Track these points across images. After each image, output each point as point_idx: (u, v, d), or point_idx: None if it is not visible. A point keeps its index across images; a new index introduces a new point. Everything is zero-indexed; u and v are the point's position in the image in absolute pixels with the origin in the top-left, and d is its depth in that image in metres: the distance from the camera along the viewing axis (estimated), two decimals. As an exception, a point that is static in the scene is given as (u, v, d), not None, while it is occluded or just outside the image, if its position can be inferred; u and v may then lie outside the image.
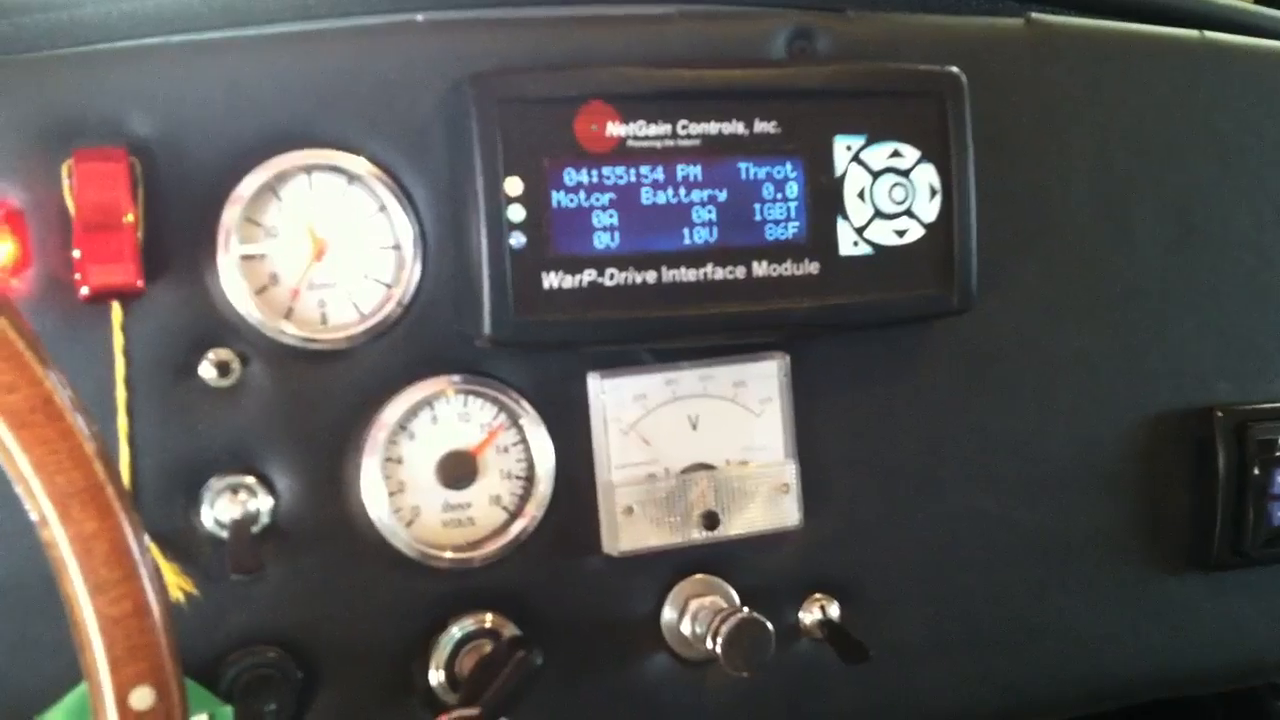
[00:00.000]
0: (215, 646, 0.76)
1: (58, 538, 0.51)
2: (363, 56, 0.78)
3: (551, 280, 0.76)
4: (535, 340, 0.77)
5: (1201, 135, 0.95)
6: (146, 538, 0.54)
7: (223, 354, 0.76)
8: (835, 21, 0.86)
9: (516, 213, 0.75)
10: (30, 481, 0.50)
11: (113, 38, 0.78)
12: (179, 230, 0.75)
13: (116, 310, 0.72)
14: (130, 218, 0.71)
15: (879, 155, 0.82)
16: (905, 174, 0.83)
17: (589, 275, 0.77)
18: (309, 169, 0.77)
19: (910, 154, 0.83)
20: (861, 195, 0.82)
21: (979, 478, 0.91)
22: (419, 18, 0.80)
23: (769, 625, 0.80)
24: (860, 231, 0.82)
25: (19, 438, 0.50)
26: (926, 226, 0.83)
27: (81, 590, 0.51)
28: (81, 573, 0.51)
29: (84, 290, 0.70)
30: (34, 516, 0.51)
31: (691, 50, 0.83)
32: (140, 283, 0.71)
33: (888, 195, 0.82)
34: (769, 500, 0.84)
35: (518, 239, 0.76)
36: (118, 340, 0.73)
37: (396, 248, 0.79)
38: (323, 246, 0.78)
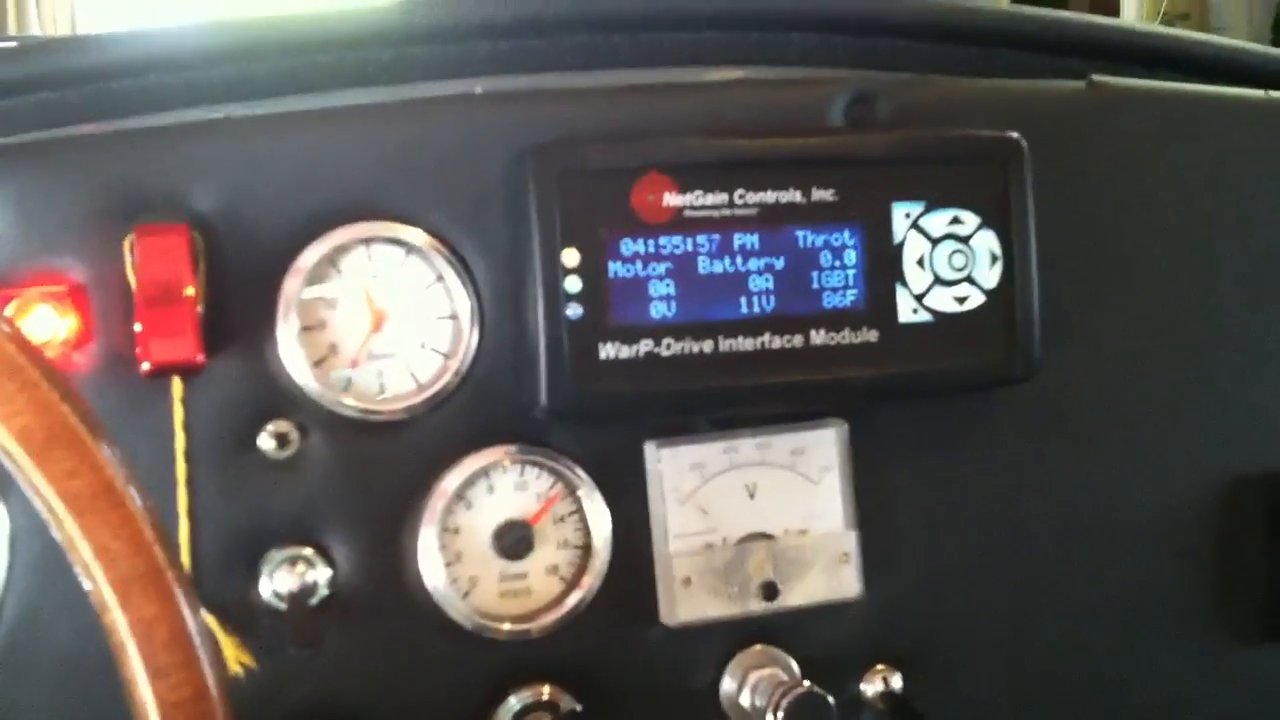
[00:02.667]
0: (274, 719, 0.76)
1: (118, 623, 0.51)
2: (421, 129, 0.78)
3: (609, 351, 0.76)
4: (592, 411, 0.77)
5: (1273, 192, 0.94)
6: (205, 614, 0.54)
7: (282, 426, 0.76)
8: (895, 87, 0.86)
9: (574, 284, 0.75)
10: (91, 567, 0.50)
11: (172, 107, 0.79)
12: (239, 303, 0.75)
13: (177, 385, 0.73)
14: (191, 291, 0.71)
15: (938, 222, 0.81)
16: (965, 240, 0.82)
17: (646, 345, 0.77)
18: (368, 240, 0.77)
19: (970, 220, 0.82)
20: (921, 262, 0.81)
21: (1047, 541, 0.89)
22: (477, 89, 0.81)
23: (830, 700, 0.78)
24: (920, 299, 0.81)
25: (81, 524, 0.50)
26: (987, 293, 0.82)
27: (141, 675, 0.51)
28: (141, 657, 0.51)
29: (145, 365, 0.71)
30: (94, 601, 0.51)
31: (750, 118, 0.83)
32: (201, 357, 0.71)
33: (947, 262, 0.81)
34: (828, 570, 0.83)
35: (575, 310, 0.76)
36: (178, 414, 0.73)
37: (454, 318, 0.79)
38: (381, 317, 0.78)
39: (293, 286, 0.76)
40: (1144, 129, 0.91)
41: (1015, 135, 0.83)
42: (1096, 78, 0.90)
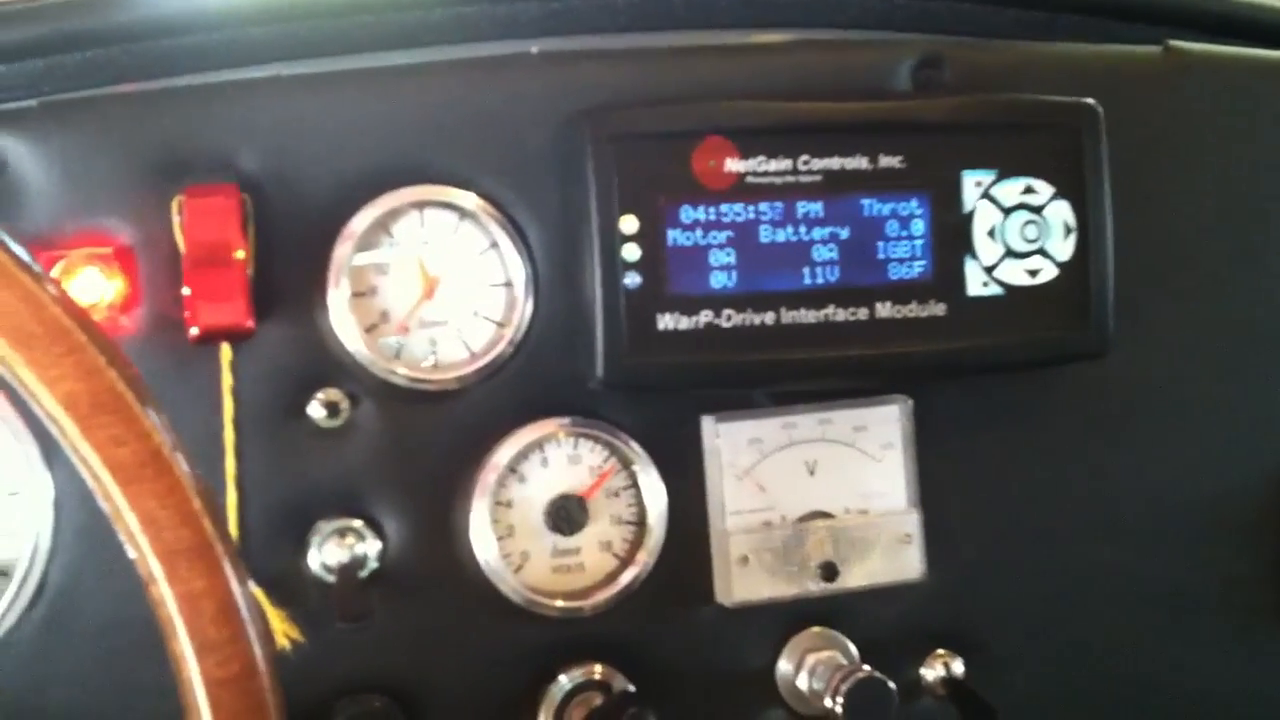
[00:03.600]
0: (321, 694, 0.74)
1: (165, 596, 0.49)
2: (474, 90, 0.76)
3: (667, 321, 0.74)
4: (649, 383, 0.75)
5: None
6: (253, 586, 0.52)
7: (332, 394, 0.74)
8: (963, 50, 0.82)
9: (631, 251, 0.73)
10: (138, 538, 0.48)
11: (220, 66, 0.77)
12: (289, 267, 0.73)
13: (226, 351, 0.71)
14: (241, 255, 0.70)
15: (1010, 191, 0.78)
16: (1038, 211, 0.79)
17: (705, 316, 0.74)
18: (420, 205, 0.75)
19: (1044, 190, 0.79)
20: (991, 233, 0.78)
21: (1107, 527, 0.86)
22: (533, 49, 0.78)
23: (891, 685, 0.76)
24: (990, 271, 0.78)
25: (127, 493, 0.48)
26: (1061, 266, 0.79)
27: (189, 651, 0.49)
28: (188, 632, 0.49)
29: (193, 330, 0.69)
30: (141, 572, 0.49)
31: (812, 81, 0.80)
32: (250, 322, 0.69)
33: (1019, 233, 0.78)
34: (890, 551, 0.80)
35: (632, 278, 0.73)
36: (226, 380, 0.71)
37: (508, 285, 0.77)
38: (434, 284, 0.76)
39: (343, 252, 0.74)
40: (1221, 97, 0.87)
41: (1091, 101, 0.79)
42: (1172, 43, 0.87)
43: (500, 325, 0.77)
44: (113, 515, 0.49)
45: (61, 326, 0.48)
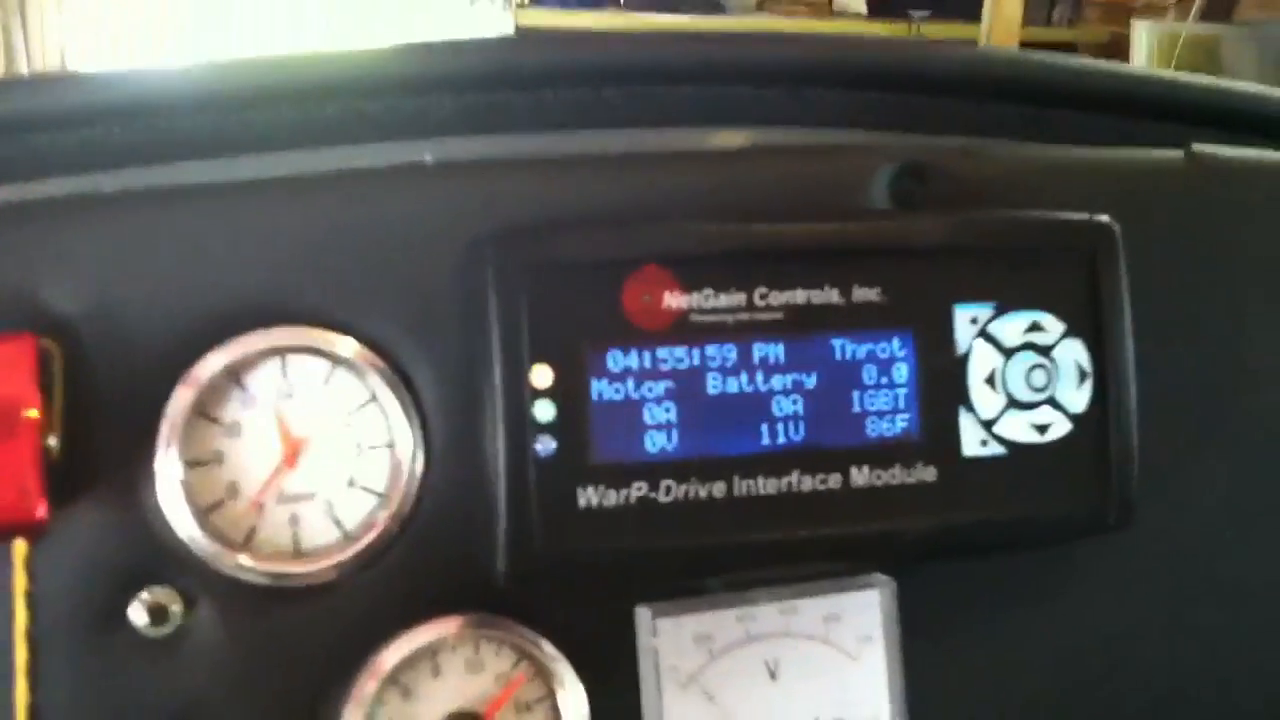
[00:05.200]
0: None
1: None
2: (353, 209, 0.61)
3: (590, 497, 0.59)
4: (568, 577, 0.60)
5: None
6: None
7: (159, 594, 0.58)
8: (952, 158, 0.68)
9: (545, 410, 0.58)
10: None
11: (24, 177, 0.62)
12: (110, 432, 0.58)
13: (20, 546, 0.55)
14: (34, 413, 0.54)
15: (1013, 329, 0.64)
16: (1046, 352, 0.64)
17: (639, 489, 0.59)
18: (282, 352, 0.60)
19: (1053, 327, 0.65)
20: (991, 380, 0.64)
21: None
22: (427, 158, 0.63)
23: None
24: (989, 426, 0.64)
25: None
26: (1074, 419, 0.65)
27: None
28: None
29: (-30, 523, 0.53)
30: None
31: (772, 196, 0.65)
32: (41, 512, 0.53)
33: (1024, 380, 0.64)
34: (872, 774, 0.65)
35: (546, 444, 0.58)
36: (20, 583, 0.55)
37: (390, 447, 0.61)
38: (297, 447, 0.60)
39: (179, 407, 0.58)
40: (1257, 212, 0.73)
41: (1106, 220, 0.66)
42: (1198, 147, 0.73)
43: (382, 498, 0.61)
44: None
45: None
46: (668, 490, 0.60)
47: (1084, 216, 0.66)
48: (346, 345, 0.60)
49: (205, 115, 0.68)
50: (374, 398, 0.61)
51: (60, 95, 0.66)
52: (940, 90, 0.76)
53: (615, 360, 0.59)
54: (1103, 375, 0.65)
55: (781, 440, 0.61)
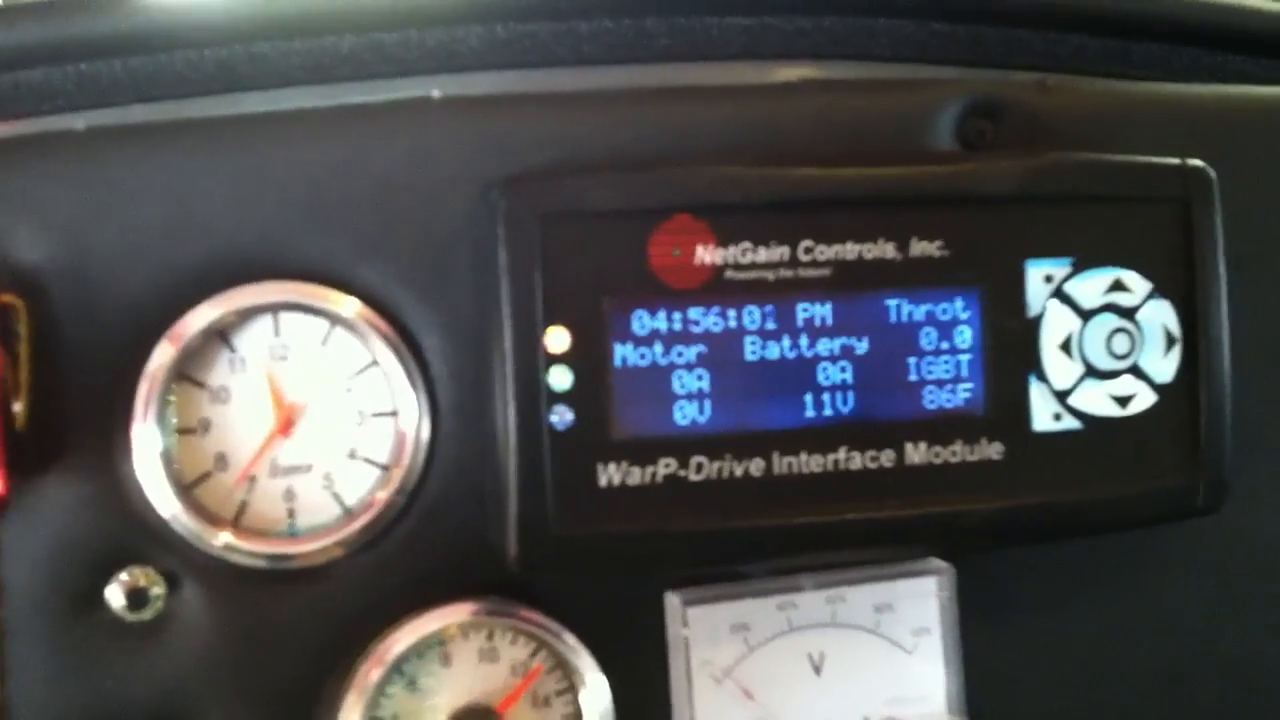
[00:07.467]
0: None
1: None
2: (352, 150, 0.55)
3: (611, 475, 0.53)
4: (586, 564, 0.54)
5: None
6: None
7: (139, 575, 0.53)
8: (1028, 93, 0.61)
9: (561, 378, 0.52)
10: None
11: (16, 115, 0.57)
12: (83, 399, 0.53)
13: (-18, 522, 0.50)
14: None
15: (1092, 288, 0.57)
16: (1130, 315, 0.58)
17: (667, 466, 0.53)
18: (275, 308, 0.55)
19: (1138, 286, 0.58)
20: (1066, 346, 0.57)
21: None
22: (434, 92, 0.57)
23: None
24: (1063, 398, 0.57)
25: None
26: (1160, 390, 0.58)
27: None
28: None
29: (-75, 498, 0.48)
30: None
31: (820, 139, 0.59)
32: (2, 488, 0.48)
33: (1104, 345, 0.57)
34: (926, 778, 0.59)
35: (562, 416, 0.52)
36: (-17, 564, 0.50)
37: (394, 415, 0.56)
38: (291, 415, 0.55)
39: (159, 368, 0.53)
40: None
41: (1201, 164, 0.58)
42: (1304, 81, 0.66)
43: (385, 470, 0.56)
44: None
45: None
46: (699, 468, 0.53)
47: (1175, 161, 0.58)
48: (346, 303, 0.55)
49: (211, 47, 0.62)
50: (376, 361, 0.55)
51: (56, 25, 0.61)
52: (1015, 19, 0.69)
53: (640, 322, 0.53)
54: (1193, 341, 0.58)
55: (828, 412, 0.55)
